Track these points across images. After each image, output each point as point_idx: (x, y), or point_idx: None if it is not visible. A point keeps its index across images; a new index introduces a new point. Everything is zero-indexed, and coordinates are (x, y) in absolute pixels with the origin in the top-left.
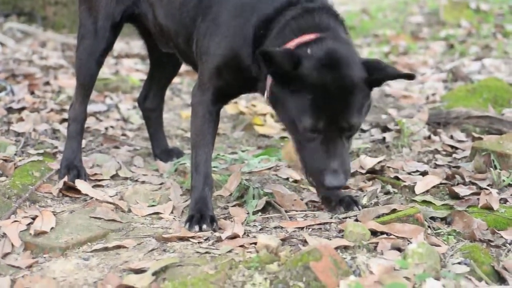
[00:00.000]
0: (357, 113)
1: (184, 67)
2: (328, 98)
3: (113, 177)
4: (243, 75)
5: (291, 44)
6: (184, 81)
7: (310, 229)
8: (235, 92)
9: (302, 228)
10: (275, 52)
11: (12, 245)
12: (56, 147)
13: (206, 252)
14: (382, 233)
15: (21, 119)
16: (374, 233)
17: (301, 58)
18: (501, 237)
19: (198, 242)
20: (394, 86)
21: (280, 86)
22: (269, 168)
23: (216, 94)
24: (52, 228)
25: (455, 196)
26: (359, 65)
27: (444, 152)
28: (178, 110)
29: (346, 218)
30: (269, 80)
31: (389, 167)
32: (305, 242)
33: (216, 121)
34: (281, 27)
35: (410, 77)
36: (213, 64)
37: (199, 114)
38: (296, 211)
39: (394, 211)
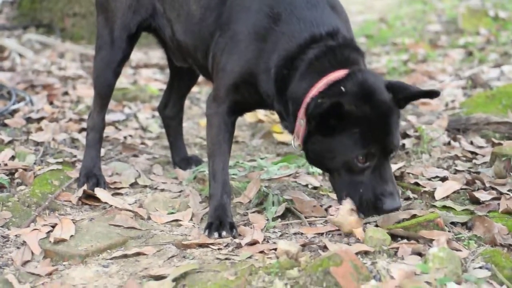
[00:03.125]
0: (397, 133)
1: (202, 77)
2: (372, 126)
3: (132, 185)
4: (260, 95)
5: (320, 85)
6: (202, 91)
7: (330, 235)
8: (251, 107)
9: (322, 234)
10: (320, 113)
11: (32, 253)
12: (75, 156)
13: (226, 259)
14: (402, 238)
15: (40, 129)
16: (394, 238)
17: (341, 103)
18: None
19: (218, 249)
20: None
21: (323, 134)
22: (288, 175)
23: (232, 107)
24: (71, 236)
25: (476, 201)
26: (385, 89)
27: (464, 158)
28: (197, 119)
29: (366, 223)
30: (301, 129)
31: (409, 173)
32: (325, 248)
33: (232, 131)
34: (305, 68)
35: (434, 94)
36: (230, 80)
37: (215, 124)
38: (316, 217)
39: (414, 216)
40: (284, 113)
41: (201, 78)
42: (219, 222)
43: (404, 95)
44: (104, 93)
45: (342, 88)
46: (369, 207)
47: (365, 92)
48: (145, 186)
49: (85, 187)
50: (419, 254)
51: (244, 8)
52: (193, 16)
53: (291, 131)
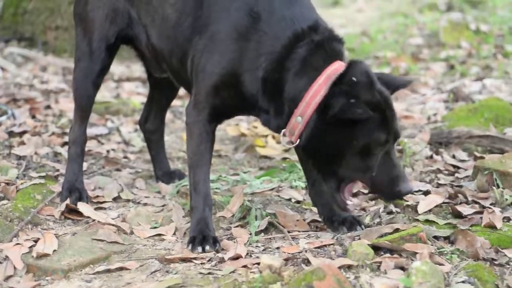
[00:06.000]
0: None
1: (184, 90)
2: (385, 112)
3: (115, 199)
4: (242, 97)
5: (321, 80)
6: (184, 104)
7: (313, 249)
8: (232, 112)
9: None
10: (355, 112)
11: (14, 267)
12: (57, 170)
13: (209, 273)
14: (385, 251)
15: (22, 143)
16: (377, 252)
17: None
18: (505, 255)
19: (201, 263)
20: (395, 107)
21: (344, 125)
22: (271, 189)
23: (212, 113)
24: (54, 250)
25: (458, 215)
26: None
27: (446, 172)
28: (179, 133)
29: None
30: (299, 126)
31: None
32: (308, 262)
33: (213, 140)
34: (299, 66)
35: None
36: (211, 82)
37: (196, 133)
38: (299, 231)
39: (397, 230)
40: (273, 111)
41: (182, 91)
42: (202, 236)
43: (393, 86)
44: (85, 105)
45: (354, 79)
46: (387, 190)
47: (371, 81)
48: (128, 200)
49: (67, 201)
50: (402, 268)
51: (222, 8)
52: (168, 20)
53: (276, 129)
